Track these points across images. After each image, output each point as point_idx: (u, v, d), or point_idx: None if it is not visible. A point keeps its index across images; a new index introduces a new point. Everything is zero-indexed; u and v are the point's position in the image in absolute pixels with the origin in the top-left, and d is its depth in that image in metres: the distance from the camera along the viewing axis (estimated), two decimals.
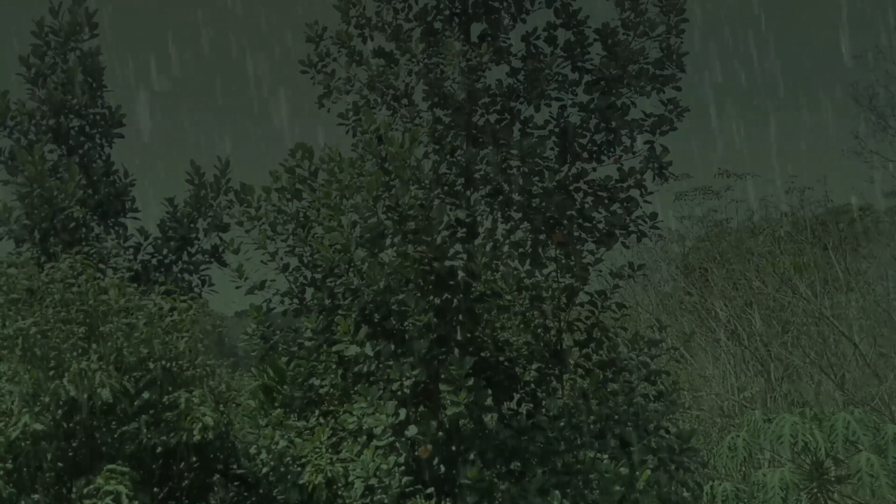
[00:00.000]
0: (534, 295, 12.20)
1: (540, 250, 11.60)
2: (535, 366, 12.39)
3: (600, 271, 12.56)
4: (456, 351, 11.27)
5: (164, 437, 10.18)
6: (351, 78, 12.20)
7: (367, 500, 10.41)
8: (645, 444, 11.50)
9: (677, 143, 12.08)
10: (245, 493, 11.24)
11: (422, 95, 11.83)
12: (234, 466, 11.18)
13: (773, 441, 16.03)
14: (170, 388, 10.40)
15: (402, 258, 10.84)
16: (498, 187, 11.47)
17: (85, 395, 9.79)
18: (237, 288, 12.08)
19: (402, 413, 10.70)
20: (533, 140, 11.41)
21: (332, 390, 11.77)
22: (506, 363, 12.29)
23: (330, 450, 10.88)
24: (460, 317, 11.46)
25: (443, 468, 11.26)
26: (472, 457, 11.06)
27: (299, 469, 10.80)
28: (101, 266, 11.56)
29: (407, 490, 10.44)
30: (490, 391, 11.27)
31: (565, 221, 11.47)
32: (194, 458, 10.84)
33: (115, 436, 10.26)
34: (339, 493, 10.57)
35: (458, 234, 11.49)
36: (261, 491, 10.97)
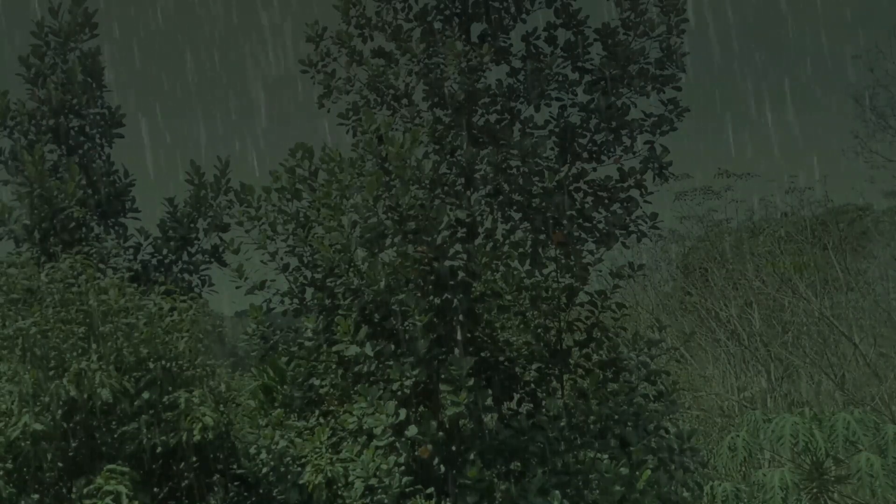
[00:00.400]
0: (534, 295, 12.20)
1: (540, 250, 11.61)
2: (535, 366, 12.39)
3: (600, 271, 12.58)
4: (456, 351, 11.27)
5: (164, 437, 10.18)
6: (351, 78, 12.19)
7: (367, 500, 10.41)
8: (645, 444, 11.50)
9: (677, 143, 12.09)
10: (245, 493, 11.24)
11: (422, 95, 11.85)
12: (234, 466, 11.18)
13: (773, 441, 16.03)
14: (170, 388, 10.40)
15: (403, 258, 10.84)
16: (498, 187, 11.48)
17: (85, 395, 9.79)
18: (237, 288, 12.10)
19: (402, 413, 10.70)
20: (533, 140, 11.41)
21: (332, 390, 11.77)
22: (506, 363, 12.30)
23: (330, 450, 10.88)
24: (460, 317, 11.46)
25: (443, 468, 11.25)
26: (472, 457, 11.06)
27: (299, 469, 10.81)
28: (101, 266, 11.56)
29: (407, 490, 10.44)
30: (490, 391, 11.28)
31: (565, 221, 11.47)
32: (194, 458, 10.82)
33: (115, 436, 10.26)
34: (339, 493, 10.57)
35: (458, 234, 11.49)
36: (261, 491, 10.97)
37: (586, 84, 11.91)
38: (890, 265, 27.66)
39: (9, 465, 9.94)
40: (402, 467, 10.51)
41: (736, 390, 24.85)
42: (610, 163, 11.85)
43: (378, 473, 10.39)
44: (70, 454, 10.42)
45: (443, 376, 10.87)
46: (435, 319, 11.14)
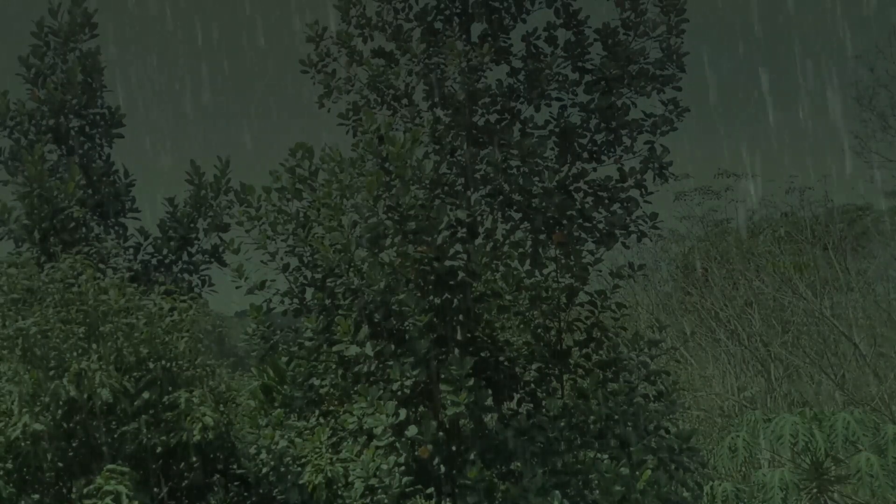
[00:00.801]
0: (534, 295, 12.19)
1: (540, 250, 11.60)
2: (535, 366, 12.40)
3: (600, 271, 12.57)
4: (456, 351, 11.27)
5: (164, 437, 10.18)
6: (351, 78, 12.19)
7: (367, 500, 10.41)
8: (645, 444, 11.50)
9: (678, 143, 12.09)
10: (245, 493, 11.24)
11: (422, 95, 11.84)
12: (234, 466, 11.18)
13: (773, 441, 16.04)
14: (170, 388, 10.40)
15: (403, 258, 10.84)
16: (498, 187, 11.47)
17: (85, 395, 9.79)
18: (237, 288, 12.09)
19: (402, 413, 10.70)
20: (533, 140, 11.41)
21: (332, 390, 11.77)
22: (506, 363, 12.30)
23: (330, 450, 10.89)
24: (460, 317, 11.47)
25: (443, 468, 11.26)
26: (472, 457, 11.06)
27: (299, 469, 10.80)
28: (101, 266, 11.55)
29: (407, 490, 10.44)
30: (490, 391, 11.27)
31: (565, 221, 11.48)
32: (194, 458, 10.82)
33: (115, 436, 10.26)
34: (339, 493, 10.57)
35: (459, 234, 11.49)
36: (261, 491, 10.96)
37: (586, 84, 11.91)
38: (890, 265, 27.69)
39: (9, 465, 9.95)
40: (402, 467, 10.51)
41: (736, 390, 24.86)
42: (610, 163, 11.85)
43: (378, 473, 10.39)
44: (70, 454, 10.41)
45: (443, 376, 10.87)
46: (435, 319, 11.14)
